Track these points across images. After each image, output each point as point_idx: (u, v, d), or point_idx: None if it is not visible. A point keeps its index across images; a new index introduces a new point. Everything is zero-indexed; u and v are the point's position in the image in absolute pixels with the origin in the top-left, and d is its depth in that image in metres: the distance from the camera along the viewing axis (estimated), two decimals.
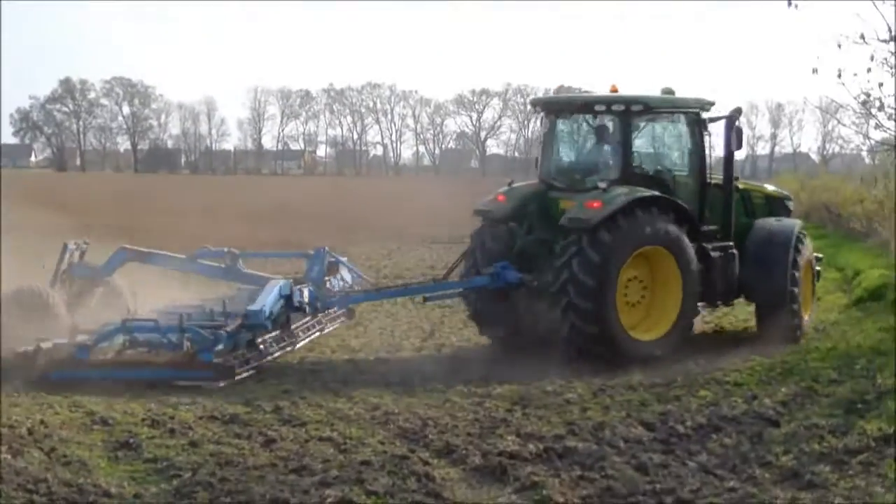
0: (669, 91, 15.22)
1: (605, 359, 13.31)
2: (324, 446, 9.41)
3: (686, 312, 14.20)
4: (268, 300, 13.07)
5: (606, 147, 15.18)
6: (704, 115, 15.16)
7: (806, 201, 35.48)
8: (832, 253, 26.50)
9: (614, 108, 14.61)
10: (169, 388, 11.74)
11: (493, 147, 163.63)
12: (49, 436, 9.49)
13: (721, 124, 15.14)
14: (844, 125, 20.00)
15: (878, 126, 13.84)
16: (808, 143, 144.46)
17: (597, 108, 14.95)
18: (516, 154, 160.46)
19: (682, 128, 15.25)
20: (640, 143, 15.20)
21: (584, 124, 15.74)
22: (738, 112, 15.30)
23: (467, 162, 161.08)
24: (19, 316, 12.72)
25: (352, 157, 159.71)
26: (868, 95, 12.92)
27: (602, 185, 13.97)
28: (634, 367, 12.94)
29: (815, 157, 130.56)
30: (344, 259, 16.39)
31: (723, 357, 13.77)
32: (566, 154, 15.94)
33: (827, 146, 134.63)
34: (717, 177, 15.32)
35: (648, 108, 14.71)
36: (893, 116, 13.43)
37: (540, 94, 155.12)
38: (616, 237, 13.49)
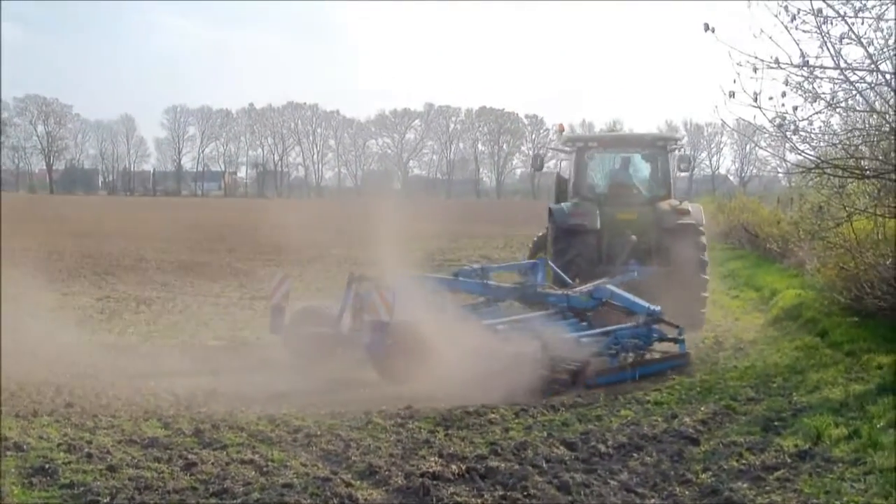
0: (613, 129, 19.87)
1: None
2: (245, 469, 9.26)
3: None
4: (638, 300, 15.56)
5: (652, 171, 20.06)
6: None
7: (724, 222, 36.09)
8: (750, 274, 27.07)
9: (667, 144, 19.83)
10: (84, 412, 11.48)
11: (416, 168, 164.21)
12: None
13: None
14: (762, 148, 21.39)
15: (793, 149, 14.14)
16: (727, 165, 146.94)
17: (658, 143, 19.94)
18: (438, 175, 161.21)
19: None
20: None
21: (633, 155, 20.33)
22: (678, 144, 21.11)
23: (389, 183, 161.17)
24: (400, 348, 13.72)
25: (273, 179, 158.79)
26: (783, 119, 13.17)
27: (679, 198, 19.43)
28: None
29: (733, 179, 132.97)
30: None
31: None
32: (612, 177, 20.27)
33: (745, 168, 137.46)
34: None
35: (678, 143, 20.26)
36: (808, 140, 13.69)
37: (462, 115, 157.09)
38: (706, 230, 18.84)
